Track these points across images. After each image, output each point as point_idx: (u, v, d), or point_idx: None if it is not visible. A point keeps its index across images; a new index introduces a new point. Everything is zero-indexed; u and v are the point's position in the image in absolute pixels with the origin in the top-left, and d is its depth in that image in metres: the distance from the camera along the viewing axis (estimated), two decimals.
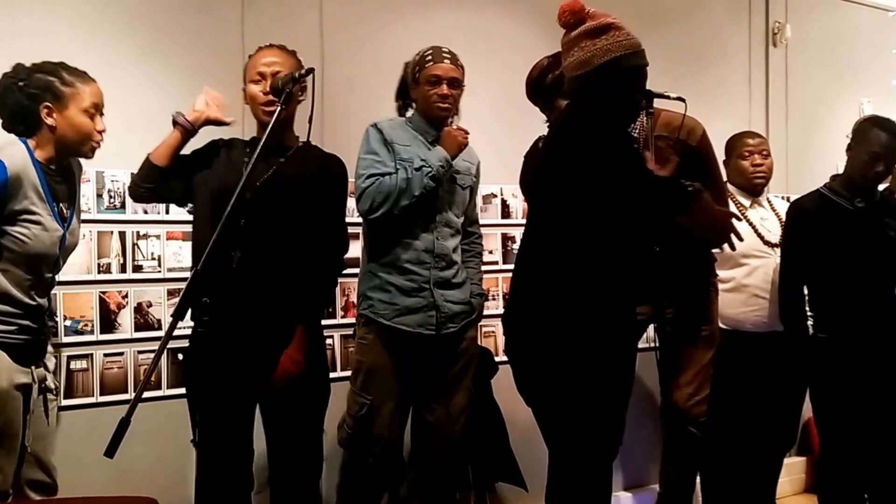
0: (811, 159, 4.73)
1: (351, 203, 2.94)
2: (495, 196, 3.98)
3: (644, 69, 2.28)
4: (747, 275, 3.51)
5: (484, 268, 3.83)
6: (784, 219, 3.55)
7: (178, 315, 2.00)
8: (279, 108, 2.29)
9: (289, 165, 2.56)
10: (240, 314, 2.48)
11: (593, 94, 2.23)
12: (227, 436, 2.50)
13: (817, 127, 4.86)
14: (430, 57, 2.94)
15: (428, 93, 2.93)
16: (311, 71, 2.36)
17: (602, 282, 2.33)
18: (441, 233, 2.95)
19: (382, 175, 2.82)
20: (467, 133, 3.00)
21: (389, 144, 2.89)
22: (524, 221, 3.93)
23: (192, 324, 2.60)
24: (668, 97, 2.39)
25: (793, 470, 4.51)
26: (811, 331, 3.37)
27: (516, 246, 3.99)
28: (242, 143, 2.67)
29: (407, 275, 2.87)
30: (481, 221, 3.83)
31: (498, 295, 3.98)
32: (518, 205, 4.03)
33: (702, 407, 3.03)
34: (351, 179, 2.88)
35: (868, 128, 3.29)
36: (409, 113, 3.07)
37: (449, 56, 2.96)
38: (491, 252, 3.95)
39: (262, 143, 2.14)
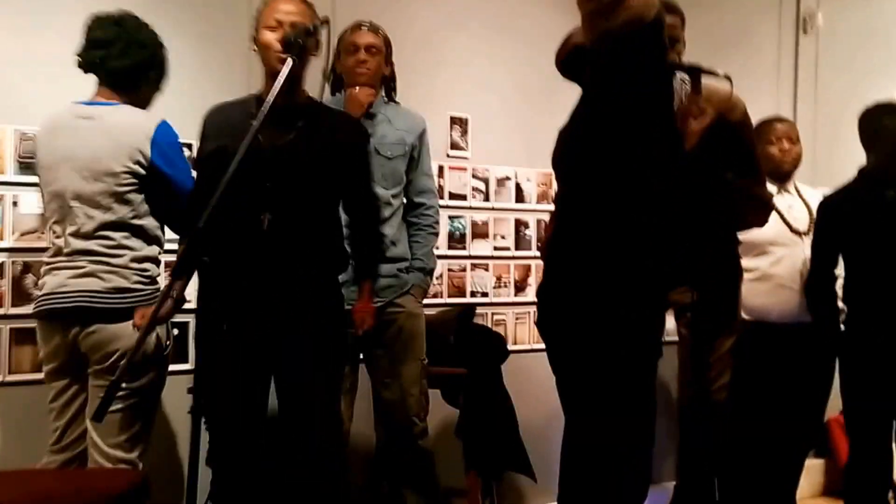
0: (840, 152, 4.54)
1: None
2: (509, 179, 3.84)
3: None
4: (773, 264, 3.38)
5: (496, 253, 3.81)
6: (813, 205, 3.42)
7: (176, 274, 1.89)
8: (291, 61, 2.16)
9: (311, 127, 2.43)
10: (270, 277, 2.39)
11: (649, 52, 2.19)
12: (239, 405, 2.40)
13: (847, 119, 4.66)
14: (349, 29, 2.99)
15: (348, 61, 2.93)
16: (325, 22, 2.29)
17: (636, 259, 2.23)
18: None
19: None
20: (371, 93, 2.94)
21: None
22: (538, 206, 3.91)
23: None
24: (716, 74, 2.37)
25: (811, 472, 4.35)
26: (842, 324, 3.24)
27: (529, 231, 3.88)
28: (245, 102, 2.53)
29: None
30: (494, 204, 3.82)
31: (510, 282, 3.84)
32: (532, 189, 3.89)
33: (722, 394, 2.95)
34: None
35: None
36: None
37: (367, 25, 2.98)
38: (503, 237, 3.82)
39: (272, 99, 2.00)
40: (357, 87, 2.92)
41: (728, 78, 2.39)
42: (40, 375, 2.80)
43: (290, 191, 2.38)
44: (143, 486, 1.99)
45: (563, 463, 2.35)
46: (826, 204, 3.33)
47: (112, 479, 2.02)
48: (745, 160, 2.75)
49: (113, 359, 2.40)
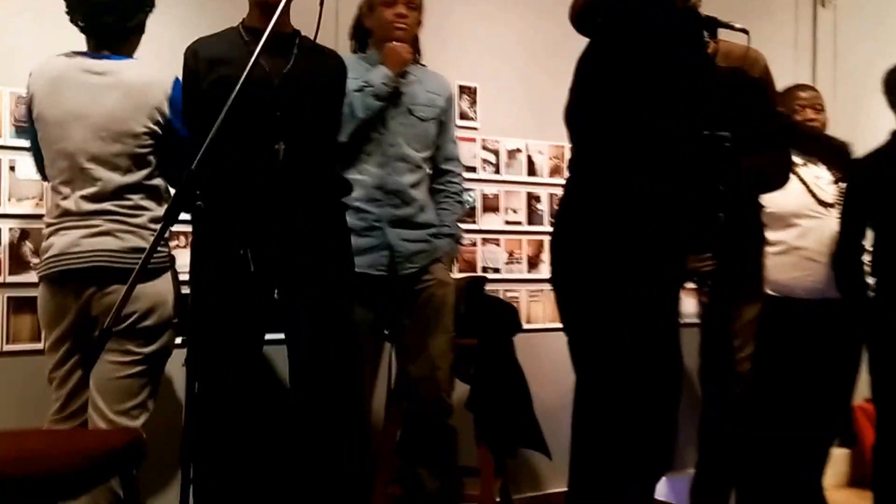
0: (860, 128, 4.43)
1: None
2: (520, 151, 3.74)
3: None
4: (799, 237, 3.25)
5: (507, 228, 3.71)
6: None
7: (168, 219, 1.81)
8: None
9: (305, 56, 2.40)
10: (281, 213, 2.33)
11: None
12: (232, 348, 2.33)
13: (867, 94, 4.56)
14: None
15: (384, 14, 2.79)
16: None
17: (638, 226, 2.16)
18: (395, 168, 2.75)
19: None
20: (411, 50, 2.81)
21: None
22: (550, 180, 3.81)
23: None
24: (732, 28, 2.29)
25: (836, 461, 4.20)
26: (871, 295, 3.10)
27: (542, 206, 3.78)
28: (228, 34, 2.45)
29: (357, 213, 2.69)
30: (505, 177, 3.72)
31: (522, 258, 3.74)
32: (544, 162, 3.79)
33: (745, 365, 2.85)
34: None
35: None
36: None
37: None
38: (515, 211, 3.72)
39: (272, 26, 1.89)
40: (395, 42, 2.78)
41: (745, 31, 2.32)
42: (39, 346, 2.74)
43: (302, 120, 2.33)
44: (138, 445, 1.89)
45: (573, 429, 2.27)
46: (856, 167, 3.20)
47: (105, 438, 1.93)
48: (770, 115, 2.68)
49: (129, 321, 2.29)
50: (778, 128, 2.42)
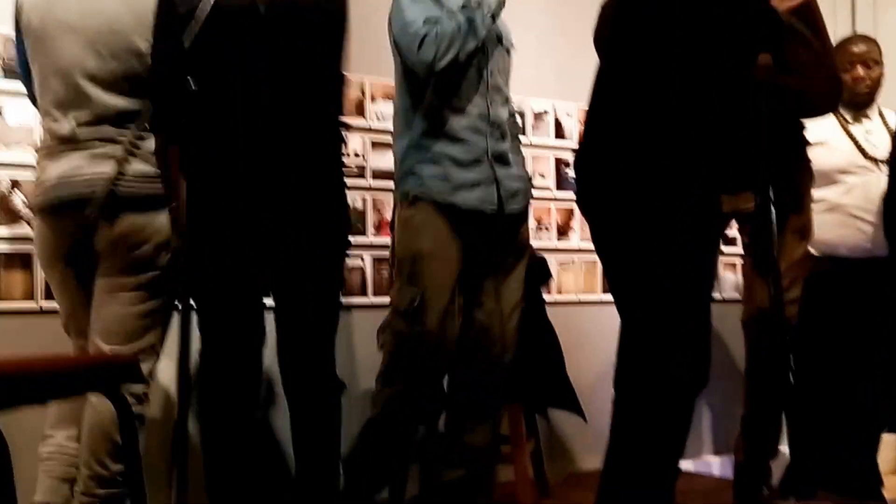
0: None
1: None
2: (547, 113, 3.54)
3: None
4: (844, 193, 3.04)
5: (536, 194, 3.47)
6: None
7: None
8: None
9: None
10: (267, 163, 2.07)
11: None
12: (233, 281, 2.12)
13: None
14: None
15: None
16: None
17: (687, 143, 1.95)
18: (493, 99, 2.55)
19: (438, 20, 2.41)
20: None
21: None
22: (579, 146, 3.59)
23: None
24: None
25: (884, 447, 3.89)
26: None
27: (570, 171, 3.54)
28: None
29: (462, 144, 2.47)
30: (532, 140, 3.53)
31: (551, 226, 3.52)
32: (573, 125, 3.59)
33: (792, 309, 2.62)
34: None
35: None
36: None
37: None
38: (543, 176, 3.51)
39: None
40: None
41: None
42: (33, 304, 2.58)
43: (295, 57, 2.09)
44: (129, 366, 1.70)
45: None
46: None
47: (96, 356, 1.73)
48: (817, 43, 2.48)
49: (134, 254, 2.04)
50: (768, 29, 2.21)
